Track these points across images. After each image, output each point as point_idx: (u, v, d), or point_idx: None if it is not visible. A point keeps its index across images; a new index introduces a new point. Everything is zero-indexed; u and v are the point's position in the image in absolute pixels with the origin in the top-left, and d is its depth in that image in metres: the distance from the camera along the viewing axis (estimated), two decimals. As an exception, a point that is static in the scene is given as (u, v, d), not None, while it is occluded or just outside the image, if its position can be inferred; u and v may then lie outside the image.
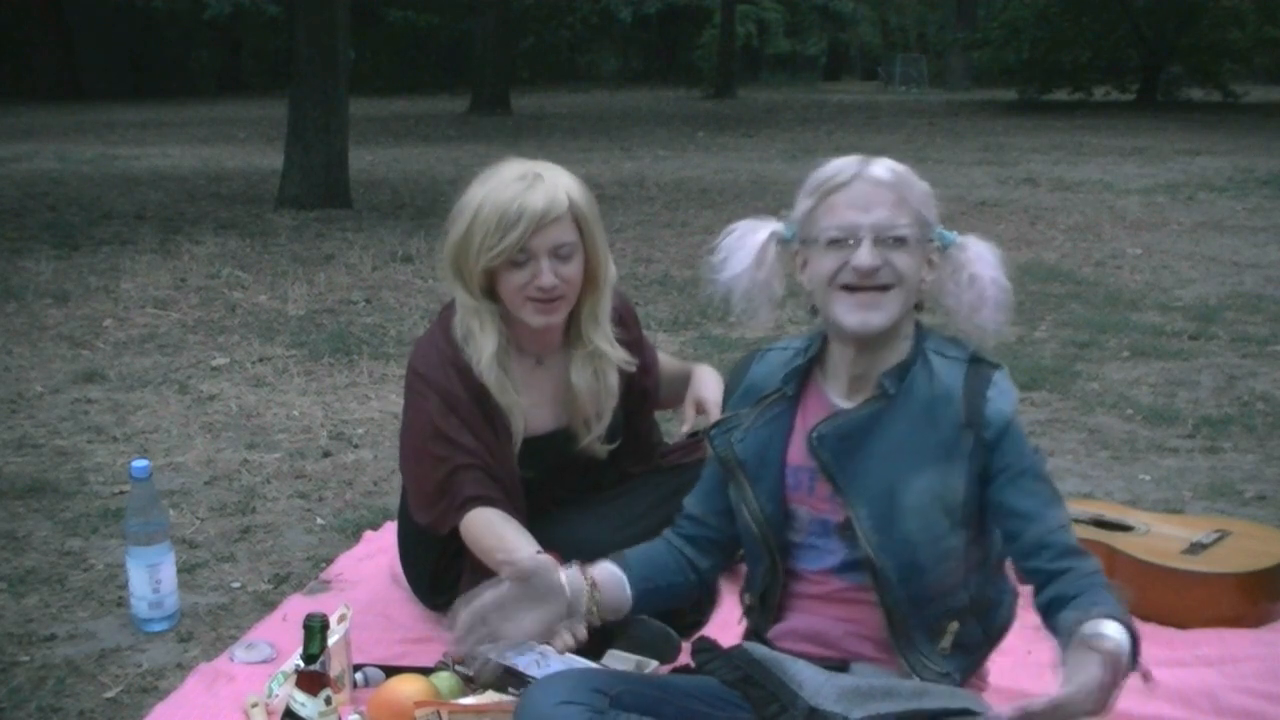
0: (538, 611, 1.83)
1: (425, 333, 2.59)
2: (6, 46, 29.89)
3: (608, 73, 42.27)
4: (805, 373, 1.91)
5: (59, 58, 29.98)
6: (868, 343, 1.83)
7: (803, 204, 1.86)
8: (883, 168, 1.83)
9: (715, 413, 2.48)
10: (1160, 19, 24.02)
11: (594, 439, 2.52)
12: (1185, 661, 2.45)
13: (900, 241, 1.79)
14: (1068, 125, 18.65)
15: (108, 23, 30.30)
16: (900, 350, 1.85)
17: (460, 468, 2.39)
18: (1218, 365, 4.93)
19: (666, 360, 2.78)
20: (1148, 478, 3.67)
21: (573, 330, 2.49)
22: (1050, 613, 1.72)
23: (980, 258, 1.85)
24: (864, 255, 1.77)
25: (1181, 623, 2.60)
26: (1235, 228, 8.58)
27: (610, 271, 2.47)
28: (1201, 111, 21.41)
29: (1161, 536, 2.80)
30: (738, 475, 1.92)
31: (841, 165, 1.85)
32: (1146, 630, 2.56)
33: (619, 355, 2.51)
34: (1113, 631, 1.59)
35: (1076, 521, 2.85)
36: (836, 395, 1.88)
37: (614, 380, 2.51)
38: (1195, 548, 2.73)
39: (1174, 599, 2.63)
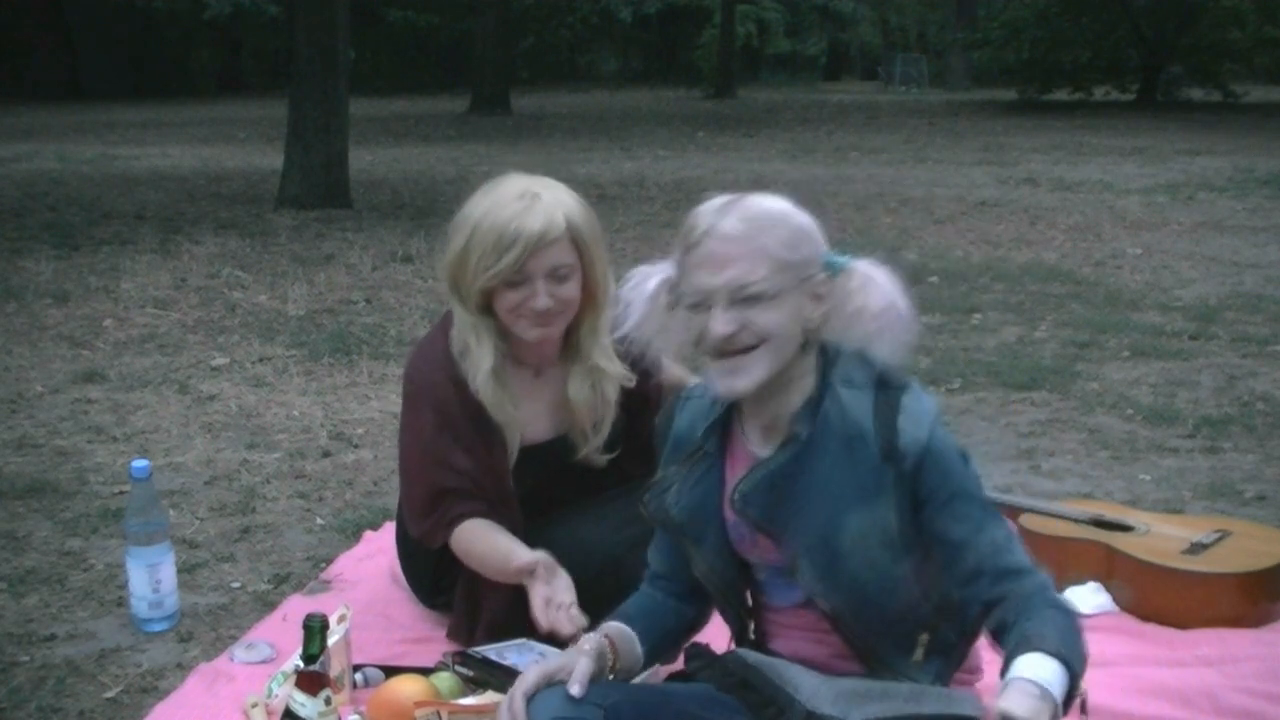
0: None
1: (424, 339, 2.57)
2: (6, 46, 29.89)
3: (608, 73, 42.28)
4: (725, 422, 1.86)
5: (59, 58, 29.99)
6: (752, 398, 1.77)
7: (675, 254, 1.77)
8: (735, 219, 1.70)
9: None
10: (1160, 19, 24.03)
11: (593, 449, 2.52)
12: (1185, 661, 2.44)
13: (758, 298, 1.68)
14: (1068, 125, 18.65)
15: (108, 23, 30.30)
16: (804, 388, 1.77)
17: (450, 490, 2.39)
18: (1218, 365, 4.93)
19: (670, 366, 2.77)
20: (1148, 478, 3.67)
21: (571, 345, 2.48)
22: (998, 640, 1.69)
23: (866, 286, 1.73)
24: (717, 324, 1.68)
25: (1181, 623, 2.59)
26: (1235, 228, 8.58)
27: (611, 289, 2.43)
28: (1201, 111, 21.40)
29: (1162, 536, 2.79)
30: (681, 538, 1.89)
31: (698, 218, 1.74)
32: (1146, 630, 2.59)
33: (618, 371, 2.49)
34: (1034, 676, 1.54)
35: (1076, 522, 2.86)
36: (755, 443, 1.83)
37: (612, 394, 2.50)
38: (1195, 548, 2.73)
39: (1174, 599, 2.63)
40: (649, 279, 1.82)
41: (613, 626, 1.91)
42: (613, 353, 2.48)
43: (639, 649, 1.91)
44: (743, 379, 1.71)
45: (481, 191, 2.38)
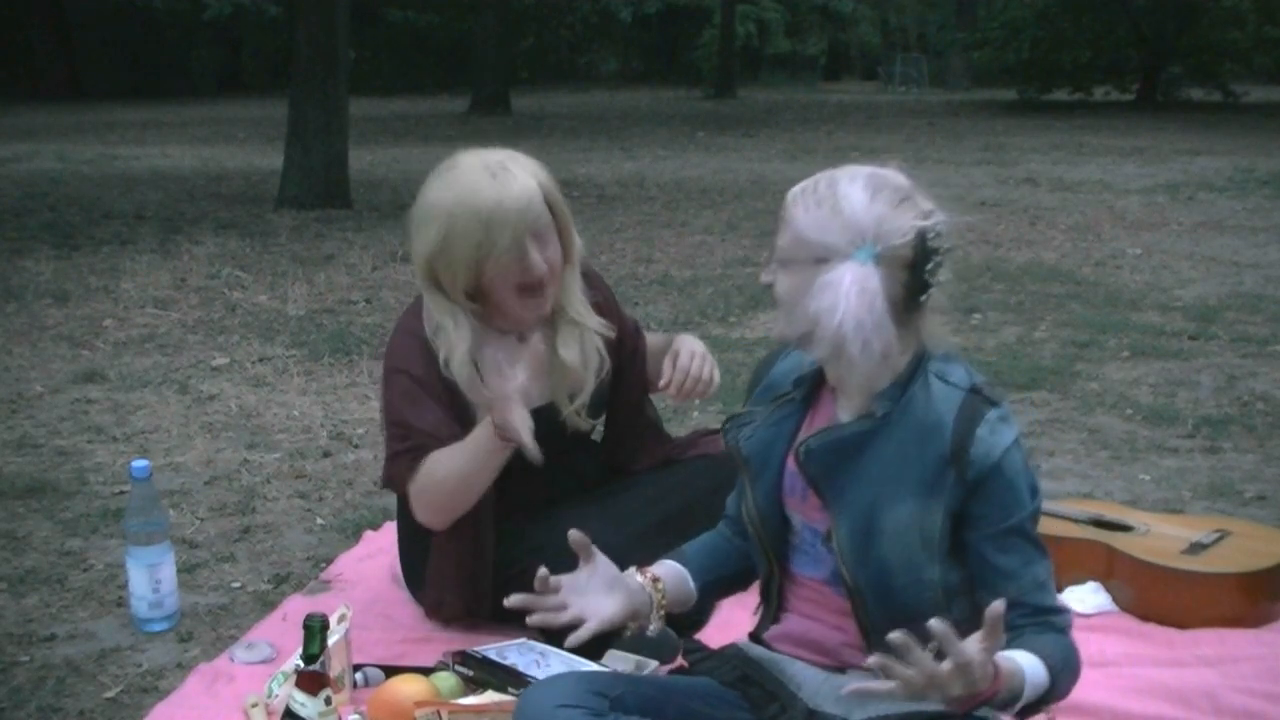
0: (612, 598, 1.81)
1: (397, 327, 2.59)
2: (6, 46, 29.89)
3: (608, 73, 42.24)
4: (818, 378, 1.87)
5: (59, 58, 29.97)
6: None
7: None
8: (799, 186, 1.76)
9: (685, 362, 2.51)
10: (1160, 19, 24.02)
11: (578, 407, 2.53)
12: (1185, 661, 2.45)
13: (782, 263, 1.74)
14: (1068, 125, 18.64)
15: (108, 23, 30.30)
16: (894, 368, 1.75)
17: (421, 430, 2.40)
18: (1218, 365, 4.93)
19: (651, 336, 2.78)
20: (1148, 478, 3.67)
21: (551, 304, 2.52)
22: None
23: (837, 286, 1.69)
24: (763, 272, 1.80)
25: (1181, 623, 2.60)
26: (1235, 228, 8.58)
27: (578, 242, 2.52)
28: (1201, 111, 21.40)
29: (1161, 536, 2.79)
30: (742, 471, 1.91)
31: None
32: (1146, 630, 2.59)
33: (596, 321, 2.54)
34: (1024, 662, 1.62)
35: (1076, 522, 2.87)
36: (843, 408, 1.82)
37: (593, 352, 2.54)
38: (1195, 548, 2.73)
39: (1174, 599, 2.63)
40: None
41: (664, 565, 1.96)
42: (588, 306, 2.54)
43: (691, 585, 1.95)
44: (776, 328, 1.81)
45: (440, 178, 2.41)
